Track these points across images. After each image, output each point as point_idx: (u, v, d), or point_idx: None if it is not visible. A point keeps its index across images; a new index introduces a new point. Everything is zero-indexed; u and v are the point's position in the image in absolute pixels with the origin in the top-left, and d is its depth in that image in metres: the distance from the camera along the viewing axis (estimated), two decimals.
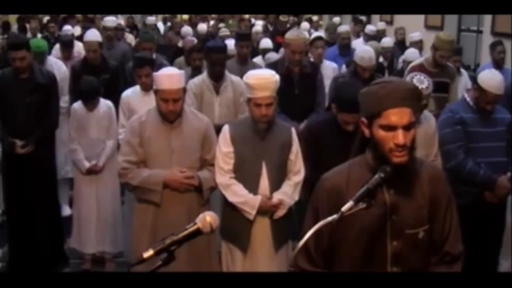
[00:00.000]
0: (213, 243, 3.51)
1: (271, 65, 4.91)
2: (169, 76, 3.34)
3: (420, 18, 9.10)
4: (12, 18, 11.83)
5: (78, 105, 4.53)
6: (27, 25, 10.29)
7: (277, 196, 3.39)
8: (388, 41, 7.64)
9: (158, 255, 1.78)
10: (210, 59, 4.44)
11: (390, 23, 10.50)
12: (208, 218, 1.86)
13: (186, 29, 8.81)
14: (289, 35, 4.77)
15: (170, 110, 3.32)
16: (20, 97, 4.28)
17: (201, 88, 4.40)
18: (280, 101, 4.46)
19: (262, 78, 3.28)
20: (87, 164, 4.46)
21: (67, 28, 8.59)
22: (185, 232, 1.82)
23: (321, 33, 6.56)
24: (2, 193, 4.72)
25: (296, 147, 3.45)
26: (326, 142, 3.50)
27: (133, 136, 3.41)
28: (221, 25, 11.73)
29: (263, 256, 3.44)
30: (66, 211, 5.38)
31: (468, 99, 3.87)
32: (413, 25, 9.20)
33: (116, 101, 4.51)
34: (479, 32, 8.11)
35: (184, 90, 3.42)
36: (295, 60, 4.64)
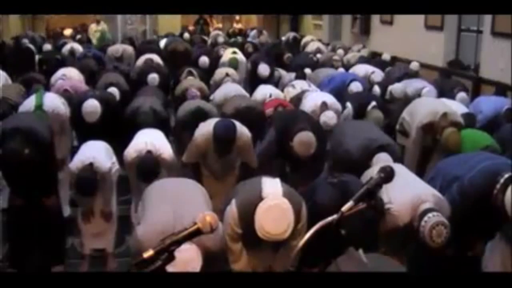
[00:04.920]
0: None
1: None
2: None
3: (420, 18, 9.09)
4: (13, 22, 11.86)
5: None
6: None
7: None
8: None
9: (158, 255, 1.78)
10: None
11: (390, 23, 10.49)
12: (208, 218, 1.86)
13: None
14: (298, 145, 4.21)
15: None
16: None
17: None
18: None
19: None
20: None
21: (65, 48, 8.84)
22: (185, 232, 1.82)
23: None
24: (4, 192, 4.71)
25: (302, 223, 3.13)
26: None
27: None
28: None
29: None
30: (66, 211, 5.38)
31: None
32: (413, 25, 9.20)
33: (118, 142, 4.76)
34: (479, 32, 8.11)
35: None
36: (305, 157, 4.25)
